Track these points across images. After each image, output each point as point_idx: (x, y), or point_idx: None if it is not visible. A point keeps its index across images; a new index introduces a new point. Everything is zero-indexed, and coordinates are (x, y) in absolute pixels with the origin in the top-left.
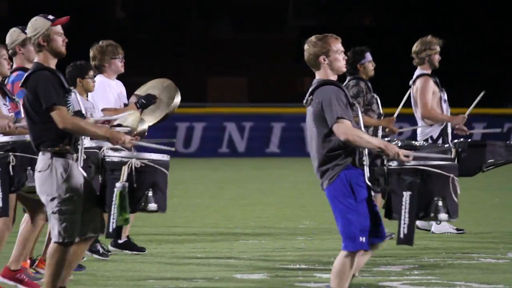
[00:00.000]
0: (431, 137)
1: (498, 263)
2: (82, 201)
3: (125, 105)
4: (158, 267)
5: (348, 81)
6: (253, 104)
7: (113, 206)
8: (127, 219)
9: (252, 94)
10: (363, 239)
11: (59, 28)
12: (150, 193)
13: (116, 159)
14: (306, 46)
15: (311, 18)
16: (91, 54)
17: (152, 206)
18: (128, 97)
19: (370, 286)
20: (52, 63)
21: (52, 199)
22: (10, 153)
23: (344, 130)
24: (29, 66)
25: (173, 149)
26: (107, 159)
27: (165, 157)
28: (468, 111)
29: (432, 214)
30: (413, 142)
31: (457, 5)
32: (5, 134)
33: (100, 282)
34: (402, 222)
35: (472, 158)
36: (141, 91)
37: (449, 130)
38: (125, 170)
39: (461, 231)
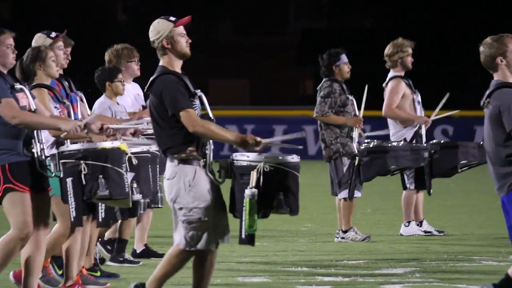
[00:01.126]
0: (405, 139)
1: (500, 266)
2: (212, 209)
3: (143, 107)
4: None
5: (323, 82)
6: (254, 106)
7: (243, 212)
8: (255, 228)
9: (253, 97)
10: None
11: (181, 29)
12: (282, 197)
13: (244, 163)
14: (481, 48)
15: (313, 21)
16: (106, 57)
17: (284, 209)
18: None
19: None
20: (177, 65)
21: (180, 208)
22: (82, 161)
23: None
24: None
25: (300, 146)
26: (236, 163)
27: (295, 159)
28: (433, 114)
29: None
30: (385, 143)
31: (459, 8)
32: (73, 141)
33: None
34: None
35: (445, 159)
36: None
37: (423, 132)
38: (254, 175)
39: (429, 233)
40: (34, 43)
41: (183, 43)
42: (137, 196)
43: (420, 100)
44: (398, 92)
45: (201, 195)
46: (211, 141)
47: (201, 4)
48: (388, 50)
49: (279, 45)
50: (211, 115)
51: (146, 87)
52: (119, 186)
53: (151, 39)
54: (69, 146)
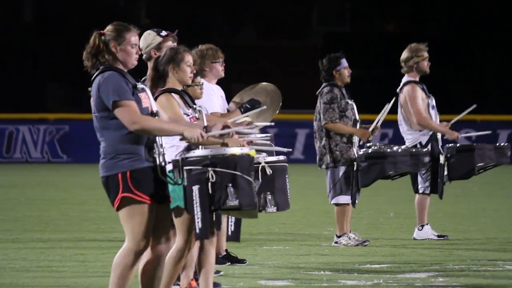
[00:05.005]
0: (420, 143)
1: None
2: None
3: (227, 110)
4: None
5: (323, 87)
6: None
7: None
8: None
9: None
10: None
11: None
12: None
13: None
14: None
15: (336, 25)
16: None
17: None
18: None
19: None
20: None
21: None
22: (210, 168)
23: None
24: None
25: None
26: None
27: None
28: (454, 119)
29: None
30: (384, 146)
31: (482, 12)
32: (196, 145)
33: None
34: None
35: (461, 163)
36: (240, 97)
37: (439, 136)
38: None
39: (443, 237)
40: (143, 41)
41: None
42: (272, 209)
43: (434, 105)
44: (418, 97)
45: None
46: None
47: (224, 8)
48: (403, 55)
49: (302, 49)
50: None
51: None
52: (249, 195)
53: None
54: (195, 152)
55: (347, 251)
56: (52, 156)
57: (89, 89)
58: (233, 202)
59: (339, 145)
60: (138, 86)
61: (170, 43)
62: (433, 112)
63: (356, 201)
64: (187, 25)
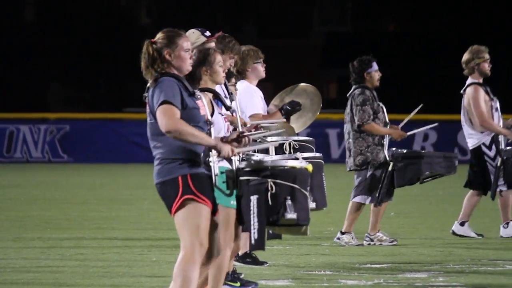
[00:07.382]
0: (484, 143)
1: None
2: None
3: (267, 112)
4: None
5: (354, 89)
6: None
7: None
8: None
9: None
10: None
11: None
12: None
13: None
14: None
15: (337, 24)
16: None
17: None
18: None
19: None
20: None
21: None
22: (269, 180)
23: None
24: None
25: None
26: None
27: None
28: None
29: None
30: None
31: (484, 10)
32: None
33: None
34: None
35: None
36: (280, 99)
37: (501, 138)
38: None
39: (481, 235)
40: None
41: None
42: (311, 205)
43: (498, 107)
44: (480, 99)
45: None
46: None
47: (225, 7)
48: (464, 57)
49: (303, 48)
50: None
51: None
52: (305, 210)
53: None
54: (254, 163)
55: (348, 251)
56: (53, 156)
57: (145, 95)
58: (291, 215)
59: (370, 146)
60: (196, 93)
61: (213, 44)
62: (496, 115)
63: (383, 201)
64: (187, 25)
